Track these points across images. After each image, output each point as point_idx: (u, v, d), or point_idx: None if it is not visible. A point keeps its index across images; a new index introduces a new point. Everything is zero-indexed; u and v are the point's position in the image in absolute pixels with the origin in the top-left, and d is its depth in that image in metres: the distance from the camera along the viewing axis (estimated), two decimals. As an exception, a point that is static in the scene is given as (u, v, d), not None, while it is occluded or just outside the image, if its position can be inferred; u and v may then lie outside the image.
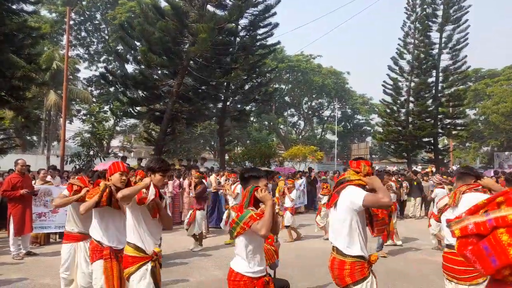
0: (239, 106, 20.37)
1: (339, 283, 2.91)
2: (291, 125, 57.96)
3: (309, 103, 55.81)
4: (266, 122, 51.00)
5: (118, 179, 3.66)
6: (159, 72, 15.77)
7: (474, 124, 43.49)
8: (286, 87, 52.81)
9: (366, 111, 56.02)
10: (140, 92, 15.62)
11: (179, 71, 14.96)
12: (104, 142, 30.21)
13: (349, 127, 57.93)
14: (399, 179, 16.20)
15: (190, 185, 9.44)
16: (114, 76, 15.17)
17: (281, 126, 55.13)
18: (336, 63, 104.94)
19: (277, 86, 50.44)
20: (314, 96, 53.79)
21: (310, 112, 56.49)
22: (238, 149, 32.80)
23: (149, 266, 3.15)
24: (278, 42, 19.26)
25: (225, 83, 17.25)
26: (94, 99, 29.38)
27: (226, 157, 19.97)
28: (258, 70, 18.38)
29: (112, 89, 27.18)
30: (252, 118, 50.29)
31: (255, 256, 2.80)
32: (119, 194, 3.18)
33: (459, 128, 27.82)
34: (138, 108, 16.34)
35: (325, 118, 57.44)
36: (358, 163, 3.08)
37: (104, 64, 32.34)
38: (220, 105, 18.30)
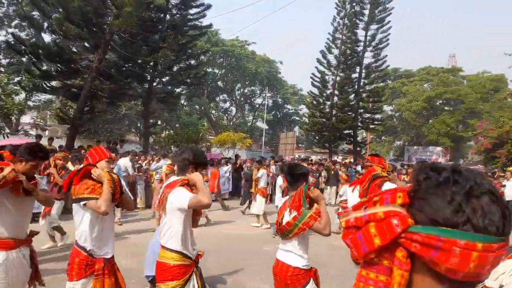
0: (168, 87, 19.60)
1: None
2: (223, 111, 57.73)
3: (241, 90, 55.94)
4: (197, 106, 50.15)
5: (106, 167, 3.07)
6: (78, 44, 14.46)
7: (390, 119, 47.30)
8: (220, 72, 52.28)
9: (295, 102, 57.71)
10: (56, 65, 14.16)
11: (100, 45, 13.87)
12: (13, 117, 27.21)
13: (279, 116, 59.30)
14: (318, 169, 17.06)
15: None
16: (23, 44, 13.54)
17: (213, 111, 54.66)
18: (270, 52, 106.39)
19: (210, 70, 49.65)
20: (247, 83, 54.02)
21: (242, 98, 56.69)
22: (166, 132, 31.77)
23: (194, 273, 2.85)
24: (211, 25, 18.77)
25: (152, 63, 16.45)
26: (2, 69, 26.14)
27: (151, 140, 19.18)
28: (188, 51, 17.79)
29: (25, 59, 24.32)
30: (182, 102, 49.15)
31: (306, 250, 2.99)
32: (103, 208, 2.77)
33: (376, 122, 29.97)
34: (53, 82, 14.87)
35: (257, 106, 58.11)
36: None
37: (16, 30, 28.80)
38: (146, 85, 17.39)
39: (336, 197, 15.74)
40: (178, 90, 22.67)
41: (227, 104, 57.57)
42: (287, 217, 2.97)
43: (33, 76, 14.05)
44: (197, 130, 20.72)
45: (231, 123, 54.18)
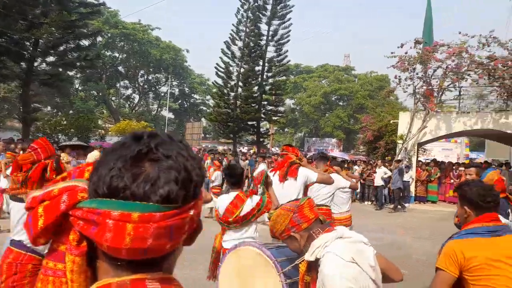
0: (54, 69, 17.54)
1: None
2: (125, 98, 54.42)
3: (145, 77, 53.29)
4: (95, 92, 46.35)
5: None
6: None
7: (292, 112, 49.85)
8: (120, 56, 48.99)
9: (203, 91, 57.11)
10: None
11: (-38, 14, 11.75)
12: None
13: (186, 105, 58.10)
14: (219, 158, 17.06)
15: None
16: None
17: (113, 98, 51.11)
18: (176, 40, 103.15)
19: (109, 53, 46.26)
20: (151, 70, 51.62)
21: (146, 86, 54.06)
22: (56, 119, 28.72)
23: None
24: (104, 3, 17.26)
25: (33, 40, 14.48)
26: None
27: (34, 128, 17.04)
28: (76, 30, 16.07)
29: None
30: (77, 86, 44.89)
31: None
32: None
33: (279, 115, 31.18)
34: None
35: (162, 94, 56.07)
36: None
37: None
38: (24, 65, 15.26)
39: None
40: (68, 72, 20.48)
41: (129, 91, 54.45)
42: (249, 206, 3.23)
43: None
44: (88, 118, 18.98)
45: (133, 111, 51.37)
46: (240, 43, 28.24)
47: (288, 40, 28.59)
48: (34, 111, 16.06)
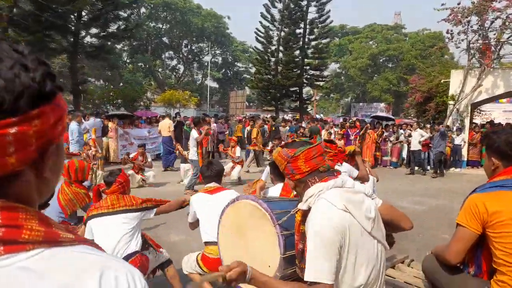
0: (98, 41, 18.10)
1: None
2: (170, 69, 55.43)
3: (189, 46, 53.67)
4: (142, 64, 47.66)
5: None
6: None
7: (337, 77, 48.12)
8: (164, 27, 49.53)
9: (246, 59, 56.63)
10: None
11: (10, -9, 12.29)
12: None
13: (229, 74, 58.15)
14: (262, 125, 16.96)
15: None
16: None
17: (160, 70, 52.30)
18: (217, 6, 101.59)
19: (152, 24, 46.92)
20: (194, 39, 51.83)
21: (190, 56, 54.55)
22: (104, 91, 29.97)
23: None
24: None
25: (76, 13, 14.94)
26: None
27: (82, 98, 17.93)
28: (114, 1, 16.25)
29: None
30: (125, 58, 46.39)
31: None
32: None
33: (322, 79, 30.21)
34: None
35: (205, 64, 56.44)
36: None
37: None
38: (71, 38, 15.86)
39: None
40: (112, 44, 21.02)
41: (174, 62, 55.34)
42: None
43: None
44: (135, 88, 19.54)
45: (179, 81, 52.34)
46: (280, 5, 27.27)
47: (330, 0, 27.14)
48: (83, 83, 16.83)
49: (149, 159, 10.50)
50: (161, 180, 9.48)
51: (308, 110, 34.52)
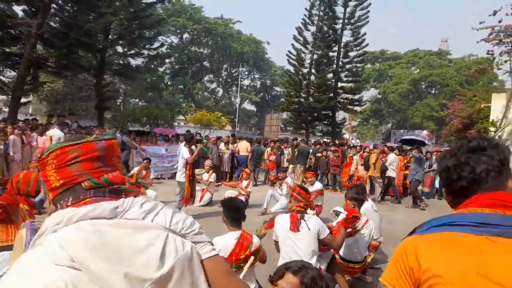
0: (126, 59, 18.62)
1: None
2: (210, 92, 56.70)
3: (229, 70, 54.85)
4: (182, 86, 49.11)
5: None
6: (15, 8, 13.49)
7: (377, 103, 46.59)
8: (205, 51, 51.04)
9: (284, 83, 56.63)
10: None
11: (39, 9, 12.92)
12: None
13: (267, 97, 58.47)
14: (280, 147, 16.35)
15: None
16: None
17: (199, 92, 53.63)
18: (257, 32, 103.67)
19: (194, 49, 48.48)
20: (233, 63, 52.93)
21: (229, 80, 55.63)
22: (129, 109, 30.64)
23: None
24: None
25: (104, 32, 15.47)
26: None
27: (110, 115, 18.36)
28: (141, 20, 16.67)
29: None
30: (167, 81, 48.11)
31: None
32: None
33: (356, 103, 29.12)
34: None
35: (244, 87, 57.19)
36: None
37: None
38: (98, 56, 16.38)
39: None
40: (149, 63, 21.57)
41: (214, 85, 56.58)
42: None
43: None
44: (160, 107, 19.73)
45: (217, 104, 53.22)
46: (313, 28, 26.96)
47: (367, 22, 26.43)
48: (107, 99, 17.26)
49: (151, 176, 10.17)
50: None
51: (342, 134, 33.34)
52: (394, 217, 8.59)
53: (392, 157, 10.89)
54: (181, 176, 7.05)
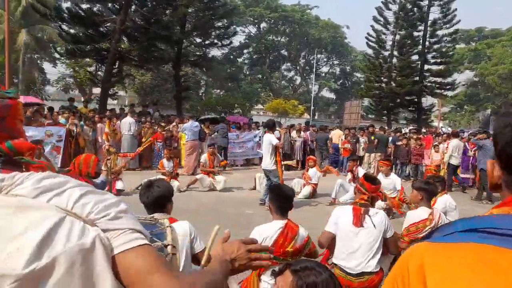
0: (205, 50, 19.28)
1: None
2: (287, 80, 56.47)
3: (306, 57, 53.97)
4: (259, 76, 49.66)
5: None
6: (100, 6, 14.74)
7: (473, 86, 41.87)
8: (283, 40, 50.80)
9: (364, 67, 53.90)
10: (82, 28, 14.67)
11: (122, 6, 13.96)
12: (87, 88, 29.44)
13: (347, 84, 56.40)
14: (355, 134, 15.57)
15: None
16: (46, 6, 14.18)
17: (277, 81, 53.77)
18: (335, 16, 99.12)
19: (271, 37, 48.54)
20: (311, 50, 51.88)
21: (307, 67, 54.75)
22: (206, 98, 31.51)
23: None
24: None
25: (180, 24, 16.16)
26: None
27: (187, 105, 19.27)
28: (213, 11, 17.02)
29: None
30: (245, 71, 49.09)
31: None
32: None
33: (446, 87, 26.44)
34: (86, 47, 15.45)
35: (322, 74, 55.79)
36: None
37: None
38: (175, 48, 17.22)
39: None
40: (215, 52, 21.93)
41: (291, 73, 56.14)
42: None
43: (65, 40, 14.75)
44: (234, 96, 20.14)
45: (295, 92, 52.80)
46: (394, 7, 24.97)
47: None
48: (184, 90, 18.12)
49: (220, 157, 10.38)
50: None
51: (431, 122, 30.58)
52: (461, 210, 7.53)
53: (454, 143, 9.70)
54: (270, 164, 6.80)
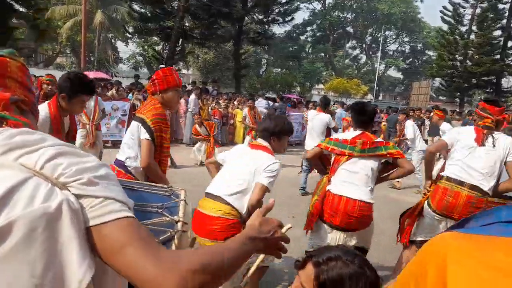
0: (265, 27, 19.11)
1: None
2: (352, 59, 54.18)
3: (374, 35, 51.20)
4: (322, 54, 48.23)
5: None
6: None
7: None
8: (349, 16, 48.60)
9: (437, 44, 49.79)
10: (149, 7, 15.32)
11: (186, -16, 14.29)
12: (154, 66, 31.02)
13: (417, 63, 52.79)
14: (419, 116, 14.68)
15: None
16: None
17: (340, 60, 51.87)
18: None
19: (336, 14, 46.65)
20: (379, 27, 49.02)
21: (373, 45, 52.00)
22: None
23: None
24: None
25: (242, 1, 16.14)
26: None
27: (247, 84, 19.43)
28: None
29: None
30: (307, 49, 47.93)
31: None
32: None
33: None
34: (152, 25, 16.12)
35: (390, 53, 52.67)
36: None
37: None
38: (236, 25, 17.31)
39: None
40: (277, 30, 21.61)
41: (356, 51, 53.71)
42: None
43: (134, 19, 15.51)
44: (292, 74, 19.83)
45: (358, 71, 50.59)
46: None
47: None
48: (243, 67, 18.22)
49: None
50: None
51: (511, 105, 27.65)
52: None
53: None
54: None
